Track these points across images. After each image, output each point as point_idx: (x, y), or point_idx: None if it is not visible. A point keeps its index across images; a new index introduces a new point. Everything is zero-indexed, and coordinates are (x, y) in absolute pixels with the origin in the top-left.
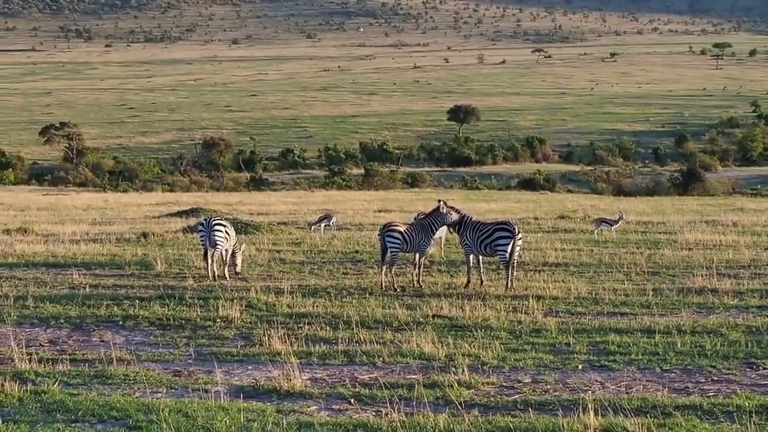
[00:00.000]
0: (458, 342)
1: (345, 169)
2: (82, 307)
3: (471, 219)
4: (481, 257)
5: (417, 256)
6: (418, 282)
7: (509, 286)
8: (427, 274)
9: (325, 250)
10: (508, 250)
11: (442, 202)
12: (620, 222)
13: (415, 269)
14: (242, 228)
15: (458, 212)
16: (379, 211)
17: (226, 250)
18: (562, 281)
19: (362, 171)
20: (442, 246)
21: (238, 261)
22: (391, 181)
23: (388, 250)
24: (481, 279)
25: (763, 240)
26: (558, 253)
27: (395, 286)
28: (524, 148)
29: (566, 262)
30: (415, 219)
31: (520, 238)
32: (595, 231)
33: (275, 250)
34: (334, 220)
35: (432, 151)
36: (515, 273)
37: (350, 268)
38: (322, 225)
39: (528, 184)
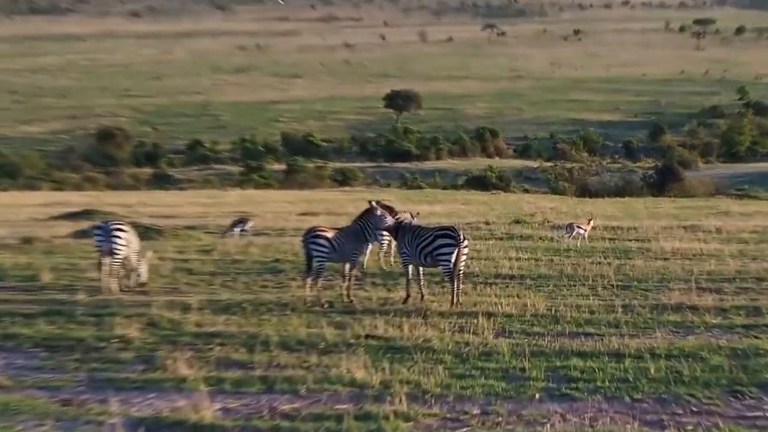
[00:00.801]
0: (395, 367)
1: (264, 164)
2: None
3: (409, 224)
4: (421, 268)
5: (347, 266)
6: (349, 297)
7: (455, 301)
8: (359, 287)
9: (240, 259)
10: (452, 260)
11: (374, 203)
12: (578, 229)
13: (344, 281)
14: (143, 232)
15: (395, 214)
16: (304, 214)
17: (125, 259)
18: (517, 296)
19: (284, 167)
20: (382, 255)
21: (143, 270)
22: (318, 178)
23: (314, 259)
24: (421, 293)
25: (750, 249)
26: (512, 263)
27: (322, 301)
28: (474, 140)
29: (522, 273)
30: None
31: (466, 246)
32: (566, 236)
33: (181, 259)
34: (250, 224)
35: (366, 143)
36: (462, 286)
37: (269, 280)
38: (237, 230)
39: (478, 182)
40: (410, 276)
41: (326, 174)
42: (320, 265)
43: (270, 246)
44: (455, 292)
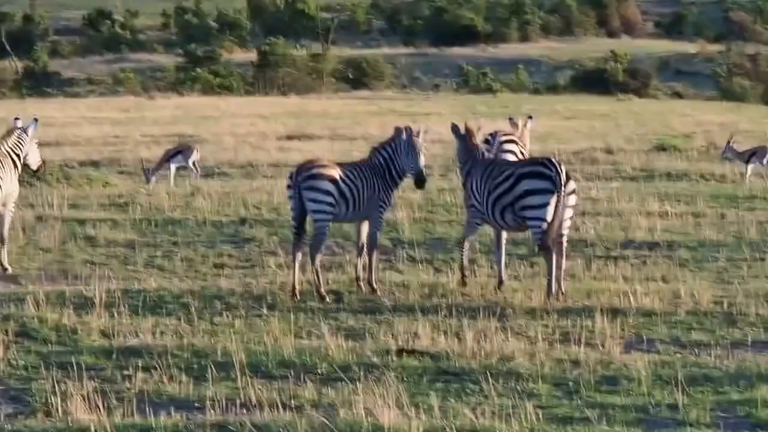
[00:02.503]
0: (450, 404)
1: (218, 51)
2: None
3: (482, 154)
4: (500, 231)
5: (366, 229)
6: (370, 283)
7: (554, 289)
8: (388, 265)
9: (178, 218)
10: (548, 216)
11: (413, 128)
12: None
13: (362, 256)
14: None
15: (467, 136)
16: (289, 138)
17: None
18: (663, 279)
19: (254, 56)
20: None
21: (3, 233)
22: (314, 76)
23: (311, 217)
24: (499, 277)
25: None
26: (654, 221)
27: (322, 291)
28: (585, 7)
29: (670, 240)
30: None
31: (573, 192)
32: (749, 171)
33: (77, 220)
34: (194, 157)
35: (396, 14)
36: (566, 264)
37: (230, 256)
38: (173, 167)
39: (593, 80)
40: (467, 243)
41: (328, 68)
42: (321, 227)
43: (230, 195)
44: (554, 273)
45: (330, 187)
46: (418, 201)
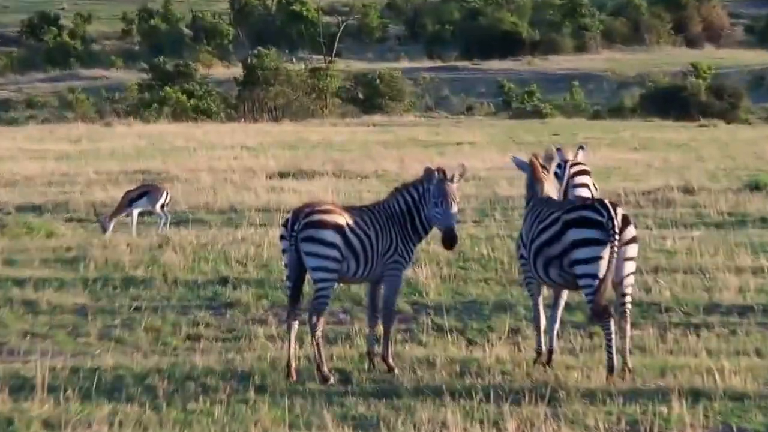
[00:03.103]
0: None
1: (193, 66)
2: None
3: (541, 195)
4: (559, 290)
5: (380, 290)
6: (384, 357)
7: (616, 364)
8: (407, 337)
9: (142, 277)
10: (600, 272)
11: (448, 170)
12: None
13: (374, 327)
14: None
15: (531, 168)
16: (283, 176)
17: None
18: (756, 353)
19: (238, 71)
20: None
21: None
22: (314, 95)
23: (311, 276)
24: (544, 349)
25: None
26: (747, 279)
27: (324, 368)
28: (657, 9)
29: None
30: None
31: (633, 240)
32: None
33: (13, 279)
34: (163, 200)
35: (418, 17)
36: (630, 332)
37: (207, 325)
38: (136, 213)
39: (667, 101)
40: (539, 306)
41: (332, 86)
42: (323, 288)
43: (208, 249)
44: (615, 344)
45: (335, 237)
46: (446, 255)
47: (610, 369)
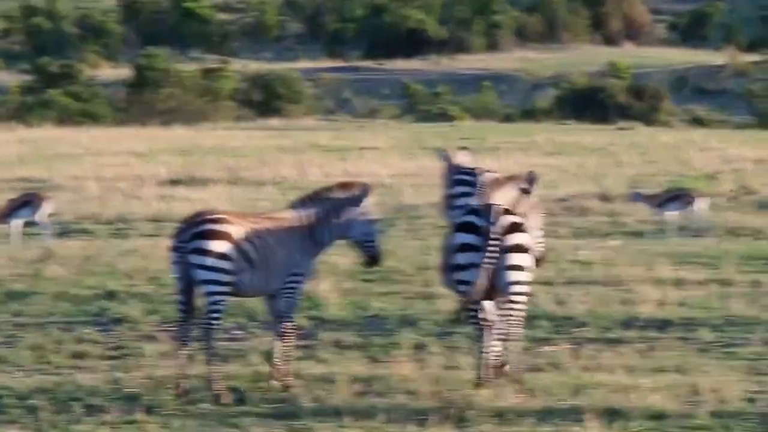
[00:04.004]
0: None
1: (79, 67)
2: None
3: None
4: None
5: (279, 305)
6: (281, 376)
7: (485, 375)
8: (306, 354)
9: (24, 291)
10: (473, 278)
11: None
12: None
13: (275, 340)
14: None
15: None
16: (174, 183)
17: None
18: (676, 370)
19: (126, 72)
20: None
21: None
22: (208, 98)
23: (202, 290)
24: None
25: None
26: (665, 292)
27: (217, 386)
28: (573, 4)
29: (688, 317)
30: None
31: (516, 249)
32: None
33: None
34: (46, 210)
35: (319, 14)
36: (515, 345)
37: (94, 342)
38: (16, 223)
39: (584, 103)
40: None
41: (226, 88)
42: (216, 303)
43: (94, 261)
44: (488, 357)
45: (227, 248)
46: (346, 267)
47: (477, 378)
